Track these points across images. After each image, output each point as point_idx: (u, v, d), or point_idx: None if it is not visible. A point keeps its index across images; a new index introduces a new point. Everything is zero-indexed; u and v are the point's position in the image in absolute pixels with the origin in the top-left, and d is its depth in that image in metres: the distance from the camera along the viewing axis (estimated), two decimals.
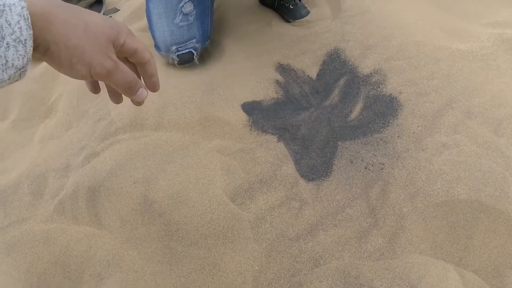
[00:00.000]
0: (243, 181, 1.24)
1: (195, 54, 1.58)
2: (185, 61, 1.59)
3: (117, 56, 0.65)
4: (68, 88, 1.70)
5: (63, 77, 1.74)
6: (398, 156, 1.25)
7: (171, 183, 1.24)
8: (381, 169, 1.23)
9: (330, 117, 1.37)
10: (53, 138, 1.52)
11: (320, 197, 1.19)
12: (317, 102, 1.42)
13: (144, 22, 1.89)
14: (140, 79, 0.75)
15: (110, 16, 2.10)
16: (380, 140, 1.29)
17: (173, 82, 1.53)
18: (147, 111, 1.43)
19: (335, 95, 1.44)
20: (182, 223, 1.16)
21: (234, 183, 1.24)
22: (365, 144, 1.29)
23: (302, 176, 1.24)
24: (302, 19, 1.73)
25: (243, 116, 1.40)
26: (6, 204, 1.31)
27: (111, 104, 1.48)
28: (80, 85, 1.62)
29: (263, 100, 1.45)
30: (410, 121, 1.33)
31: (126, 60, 0.72)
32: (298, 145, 1.31)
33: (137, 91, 0.69)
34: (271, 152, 1.30)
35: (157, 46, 1.61)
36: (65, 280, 1.13)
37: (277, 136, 1.34)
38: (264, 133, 1.35)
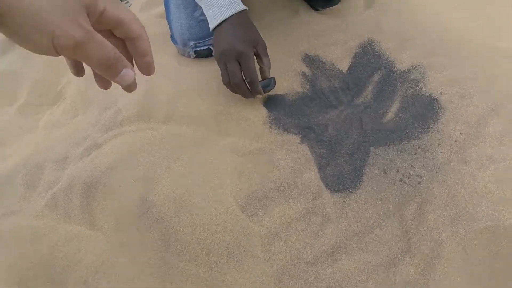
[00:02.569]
0: (257, 187, 1.00)
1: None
2: (202, 57, 1.36)
3: (96, 29, 0.47)
4: None
5: None
6: (438, 169, 0.99)
7: (174, 184, 1.02)
8: (419, 183, 0.98)
9: (362, 118, 1.12)
10: (58, 126, 1.34)
11: (345, 213, 0.94)
12: (347, 100, 1.16)
13: (162, 8, 1.65)
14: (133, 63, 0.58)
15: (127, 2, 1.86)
16: (418, 147, 1.04)
17: (187, 70, 1.29)
18: (157, 101, 1.21)
19: (369, 92, 1.18)
20: (182, 233, 0.93)
21: (247, 189, 1.00)
22: (401, 151, 1.04)
23: (326, 186, 0.99)
24: (332, 7, 1.45)
25: (263, 112, 1.15)
26: None
27: (120, 92, 1.23)
28: (91, 71, 1.39)
29: (286, 94, 1.20)
30: (452, 127, 1.07)
31: (110, 34, 0.55)
32: (324, 148, 1.06)
33: (120, 72, 0.51)
34: (293, 155, 1.06)
35: (173, 38, 1.39)
36: (48, 284, 0.94)
37: (300, 136, 1.09)
38: (286, 132, 1.11)
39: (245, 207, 0.97)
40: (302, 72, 1.24)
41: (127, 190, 1.02)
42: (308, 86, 1.20)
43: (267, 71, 1.12)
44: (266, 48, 1.11)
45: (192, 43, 1.32)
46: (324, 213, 0.95)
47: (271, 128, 1.11)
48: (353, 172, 1.01)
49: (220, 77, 1.12)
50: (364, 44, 1.30)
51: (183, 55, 1.38)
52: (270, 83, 1.13)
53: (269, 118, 1.13)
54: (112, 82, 0.59)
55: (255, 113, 1.15)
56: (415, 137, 1.06)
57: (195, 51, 1.33)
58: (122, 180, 1.04)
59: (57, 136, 1.27)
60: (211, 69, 1.27)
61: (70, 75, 1.53)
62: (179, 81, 1.25)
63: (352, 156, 1.04)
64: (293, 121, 1.12)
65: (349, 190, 0.98)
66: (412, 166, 1.01)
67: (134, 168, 1.07)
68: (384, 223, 0.93)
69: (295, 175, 1.01)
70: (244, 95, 1.10)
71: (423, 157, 1.02)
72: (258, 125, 1.12)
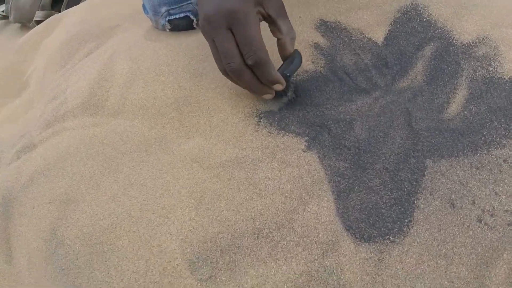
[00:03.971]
0: (223, 227, 0.54)
1: (194, 20, 0.88)
2: (180, 29, 0.89)
3: None
4: (40, 58, 1.14)
5: (43, 46, 1.17)
6: None
7: (97, 212, 0.60)
8: (509, 225, 0.52)
9: (410, 110, 0.64)
10: (10, 121, 1.00)
11: (382, 282, 0.48)
12: (386, 82, 0.69)
13: None
14: None
15: None
16: (504, 161, 0.57)
17: (152, 46, 0.84)
18: (109, 87, 0.78)
19: (418, 71, 0.70)
20: None
21: (205, 229, 0.55)
22: (477, 168, 0.57)
23: (348, 229, 0.52)
24: None
25: (247, 100, 0.68)
26: None
27: (74, 77, 0.86)
28: (51, 54, 1.03)
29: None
30: None
31: None
32: (346, 160, 0.59)
33: None
34: (290, 170, 0.59)
35: (144, 7, 0.93)
36: None
37: (306, 139, 0.62)
38: (283, 131, 0.63)
39: (198, 263, 0.52)
40: (315, 43, 0.76)
41: (39, 215, 0.63)
42: (324, 61, 0.72)
43: (289, 43, 0.64)
44: (283, 5, 0.63)
45: (164, 9, 0.86)
46: (341, 282, 0.48)
47: (258, 125, 0.64)
48: (397, 204, 0.54)
49: (195, 52, 0.68)
50: (407, 9, 0.81)
51: (157, 28, 0.93)
52: (292, 62, 0.64)
53: (256, 110, 0.66)
54: None
55: (235, 102, 0.68)
56: (497, 143, 0.59)
57: (168, 20, 0.88)
58: (37, 199, 0.65)
59: (2, 135, 0.92)
60: (183, 43, 0.81)
61: (37, 61, 1.17)
62: (139, 60, 0.80)
63: (395, 175, 0.57)
64: (295, 114, 0.65)
65: (389, 238, 0.51)
66: (496, 193, 0.54)
67: (56, 181, 0.66)
68: None
69: (292, 208, 0.55)
70: (252, 89, 0.62)
71: None
72: (239, 120, 0.66)
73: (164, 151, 0.65)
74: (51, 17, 1.26)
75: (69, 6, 1.35)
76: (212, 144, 0.63)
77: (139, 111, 0.72)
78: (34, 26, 1.33)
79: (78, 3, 1.32)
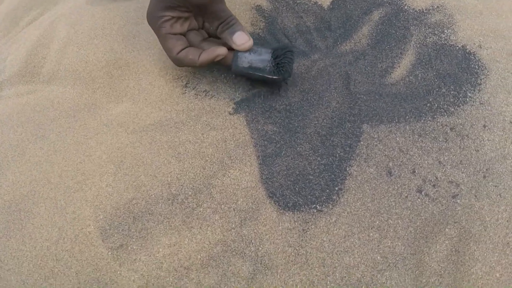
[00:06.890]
0: (138, 193, 0.49)
1: None
2: None
3: None
4: None
5: None
6: (487, 170, 0.49)
7: (20, 179, 0.56)
8: (454, 197, 0.47)
9: (349, 74, 0.58)
10: None
11: (306, 255, 0.43)
12: (326, 45, 0.63)
13: None
14: None
15: None
16: (451, 129, 0.52)
17: (91, 10, 0.77)
18: (46, 53, 0.71)
19: (363, 35, 0.64)
20: (6, 268, 0.47)
21: (119, 195, 0.49)
22: (419, 135, 0.51)
23: (271, 196, 0.46)
24: None
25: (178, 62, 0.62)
26: None
27: (15, 45, 0.79)
28: None
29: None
30: (503, 99, 0.56)
31: None
32: (275, 123, 0.53)
33: None
34: (214, 134, 0.53)
35: None
36: None
37: (234, 102, 0.56)
38: (210, 94, 0.57)
39: (110, 230, 0.46)
40: (258, 6, 0.70)
41: None
42: (263, 23, 0.66)
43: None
44: None
45: None
46: (259, 253, 0.43)
47: (186, 87, 0.58)
48: (327, 170, 0.48)
49: (133, 14, 0.64)
50: None
51: None
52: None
53: (186, 72, 0.60)
54: None
55: (164, 64, 0.61)
56: (444, 111, 0.54)
57: None
58: None
59: None
60: (121, 6, 0.75)
61: None
62: (76, 24, 0.73)
63: (327, 139, 0.51)
64: (226, 77, 0.58)
65: (315, 207, 0.46)
66: (440, 163, 0.49)
67: None
68: (384, 278, 0.42)
69: (211, 173, 0.49)
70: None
71: (460, 147, 0.50)
72: (166, 82, 0.60)
73: (92, 116, 0.59)
74: None
75: None
76: (139, 108, 0.57)
77: (72, 77, 0.66)
78: None
79: None
